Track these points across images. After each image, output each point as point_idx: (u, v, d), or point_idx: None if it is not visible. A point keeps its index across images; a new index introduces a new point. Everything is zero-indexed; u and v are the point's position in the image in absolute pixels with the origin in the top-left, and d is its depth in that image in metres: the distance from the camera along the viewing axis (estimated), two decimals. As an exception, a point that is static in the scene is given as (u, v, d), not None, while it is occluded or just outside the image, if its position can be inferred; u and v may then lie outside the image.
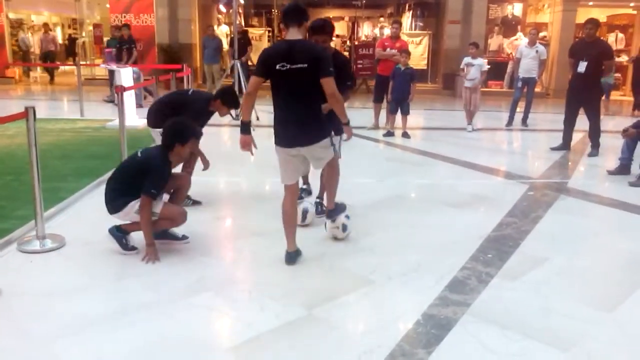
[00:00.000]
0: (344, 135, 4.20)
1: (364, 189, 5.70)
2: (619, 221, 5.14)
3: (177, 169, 4.50)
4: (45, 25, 17.52)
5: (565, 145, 7.89)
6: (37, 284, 3.53)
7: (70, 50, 20.63)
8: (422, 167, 6.97)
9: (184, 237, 4.14)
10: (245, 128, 3.86)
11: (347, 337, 2.99)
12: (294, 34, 3.67)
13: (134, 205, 3.80)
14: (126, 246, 3.93)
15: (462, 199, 5.53)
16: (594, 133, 7.67)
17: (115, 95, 6.11)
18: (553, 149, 7.91)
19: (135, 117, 8.80)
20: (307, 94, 3.68)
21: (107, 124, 8.82)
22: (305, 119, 3.74)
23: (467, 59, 9.36)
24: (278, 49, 3.73)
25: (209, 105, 5.01)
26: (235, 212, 5.19)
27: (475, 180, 6.29)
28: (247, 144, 3.86)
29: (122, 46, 12.08)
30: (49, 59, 16.86)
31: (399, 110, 8.75)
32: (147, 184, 3.73)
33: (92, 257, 3.89)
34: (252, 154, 3.94)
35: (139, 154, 3.93)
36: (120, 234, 3.92)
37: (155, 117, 4.97)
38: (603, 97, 11.70)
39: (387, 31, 16.74)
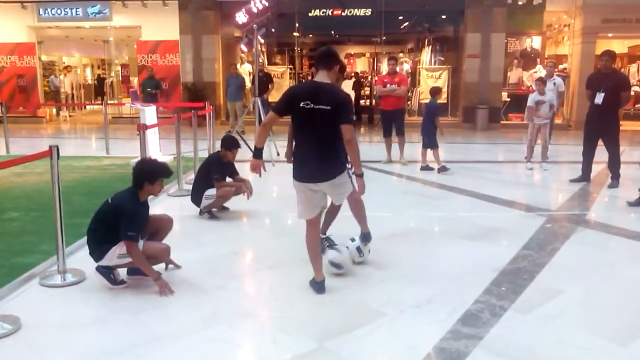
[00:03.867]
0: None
1: (379, 222, 5.70)
2: (639, 253, 5.07)
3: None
4: None
5: (585, 177, 7.83)
6: (57, 316, 3.65)
7: (99, 89, 21.33)
8: (439, 200, 6.99)
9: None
10: (257, 153, 4.10)
11: (357, 370, 3.01)
12: (322, 77, 3.89)
13: (115, 250, 3.92)
14: (114, 281, 4.03)
15: (478, 231, 5.53)
16: (614, 164, 7.61)
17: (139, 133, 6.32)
18: (572, 180, 7.85)
19: (159, 154, 9.02)
20: (327, 134, 3.84)
21: (131, 161, 9.05)
22: (325, 156, 3.90)
23: (535, 96, 8.97)
24: (304, 88, 3.98)
25: (222, 157, 5.88)
26: (252, 246, 5.26)
27: (492, 213, 6.28)
28: (257, 166, 4.11)
29: None
30: None
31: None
32: (123, 230, 3.83)
33: (110, 291, 3.99)
34: (260, 175, 4.16)
35: (110, 200, 4.03)
36: (106, 270, 4.02)
37: (198, 189, 5.87)
38: None
39: (407, 66, 16.97)
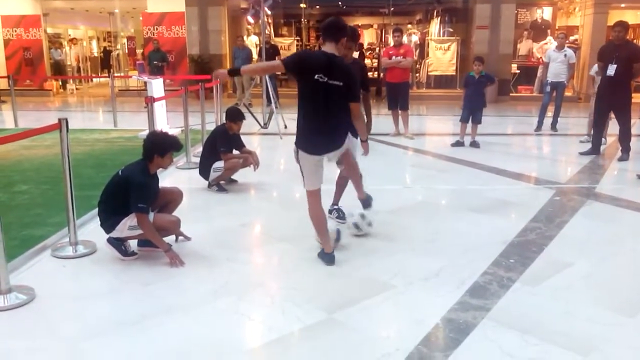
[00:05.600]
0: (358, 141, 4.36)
1: (388, 195, 5.73)
2: (648, 226, 5.06)
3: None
4: None
5: (595, 149, 7.78)
6: (69, 287, 3.70)
7: (105, 62, 21.23)
8: (448, 173, 6.97)
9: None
10: (233, 71, 4.35)
11: (366, 340, 3.04)
12: (331, 48, 3.83)
13: (125, 222, 3.94)
14: (125, 252, 4.06)
15: (487, 204, 5.52)
16: (624, 137, 7.54)
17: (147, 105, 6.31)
18: (582, 153, 7.80)
19: (167, 127, 9.01)
20: (338, 108, 3.86)
21: (139, 133, 9.05)
22: (337, 128, 3.95)
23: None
24: (319, 59, 3.83)
25: (228, 130, 5.83)
26: (260, 218, 5.28)
27: (501, 186, 6.26)
28: (221, 74, 4.36)
29: None
30: None
31: (470, 119, 8.48)
32: (133, 202, 3.85)
33: (121, 262, 4.03)
34: (219, 82, 4.21)
35: (120, 173, 4.04)
36: (117, 241, 4.05)
37: (206, 162, 5.88)
38: None
39: (415, 38, 16.76)
